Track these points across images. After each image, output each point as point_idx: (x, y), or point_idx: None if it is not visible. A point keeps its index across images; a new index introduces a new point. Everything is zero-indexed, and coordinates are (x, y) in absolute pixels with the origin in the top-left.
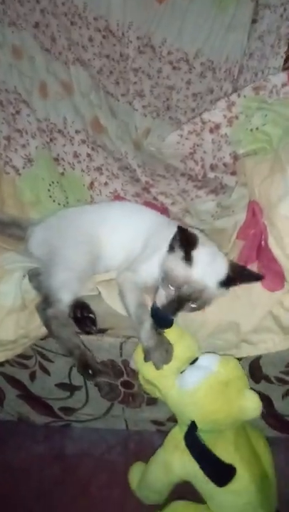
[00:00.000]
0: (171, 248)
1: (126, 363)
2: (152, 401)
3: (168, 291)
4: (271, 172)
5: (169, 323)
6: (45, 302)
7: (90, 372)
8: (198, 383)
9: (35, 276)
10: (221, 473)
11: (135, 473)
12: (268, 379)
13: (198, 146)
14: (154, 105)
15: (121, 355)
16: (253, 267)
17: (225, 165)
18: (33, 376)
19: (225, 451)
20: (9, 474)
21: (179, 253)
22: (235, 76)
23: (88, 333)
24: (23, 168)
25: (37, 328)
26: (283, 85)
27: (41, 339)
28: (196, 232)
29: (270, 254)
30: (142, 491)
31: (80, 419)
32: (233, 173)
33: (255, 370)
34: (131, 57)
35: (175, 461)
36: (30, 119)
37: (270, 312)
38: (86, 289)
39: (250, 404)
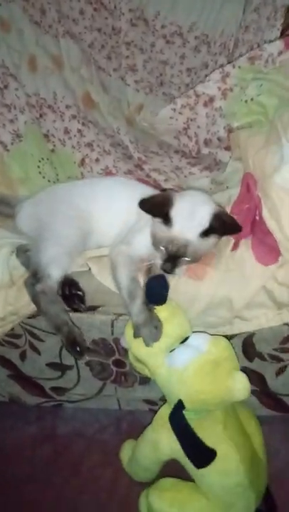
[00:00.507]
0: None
1: (117, 341)
2: (145, 380)
3: (161, 253)
4: (266, 143)
5: (162, 299)
6: (34, 278)
7: (78, 349)
8: (188, 362)
9: (23, 252)
10: (200, 454)
11: (126, 450)
12: (261, 356)
13: (191, 120)
14: (147, 80)
15: (112, 333)
16: (248, 241)
17: (219, 139)
18: (23, 356)
19: (212, 431)
20: (0, 455)
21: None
22: (230, 50)
23: (76, 310)
24: (12, 144)
25: (26, 305)
26: (279, 54)
27: (31, 317)
28: (172, 192)
29: (265, 228)
30: (131, 468)
31: (72, 399)
32: (228, 149)
33: (248, 347)
34: (123, 31)
35: (163, 440)
36: (19, 93)
37: (264, 287)
38: (76, 265)
39: (239, 385)
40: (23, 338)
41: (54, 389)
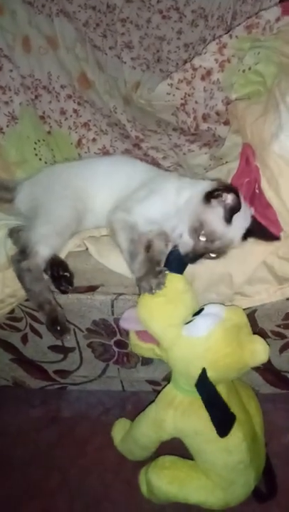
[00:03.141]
0: (208, 201)
1: (118, 321)
2: (147, 361)
3: (197, 242)
4: (265, 111)
5: (181, 270)
6: (21, 254)
7: (58, 328)
8: (213, 328)
9: (16, 232)
10: (226, 421)
11: (118, 429)
12: (264, 333)
13: (189, 96)
14: (144, 57)
15: (113, 314)
16: None
17: (218, 113)
18: (24, 339)
19: None
20: (6, 438)
21: (220, 210)
22: (228, 23)
23: (64, 292)
24: (7, 126)
25: None
26: (277, 20)
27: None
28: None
29: (265, 201)
30: (126, 447)
31: (76, 381)
32: (227, 123)
33: (250, 324)
34: (118, 8)
35: (168, 419)
36: (13, 74)
37: (264, 262)
38: (73, 245)
39: (261, 348)
40: (23, 321)
41: (57, 372)
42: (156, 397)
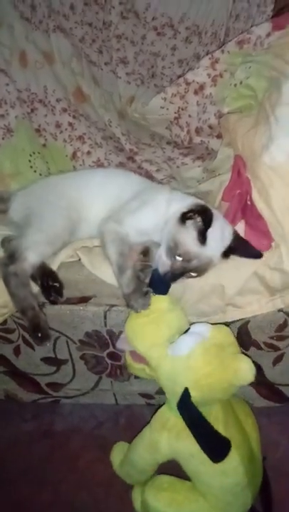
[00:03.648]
0: (183, 221)
1: (111, 333)
2: None
3: (174, 262)
4: (255, 123)
5: (165, 290)
6: (10, 258)
7: (39, 335)
8: (193, 347)
9: (8, 241)
10: (216, 445)
11: (117, 452)
12: (257, 345)
13: (182, 110)
14: (138, 72)
15: (105, 325)
16: (240, 227)
17: (210, 127)
18: (17, 351)
19: None
20: None
21: (193, 231)
22: (221, 39)
23: (53, 302)
24: (2, 138)
25: None
26: (267, 35)
27: None
28: (211, 208)
29: (256, 212)
30: (125, 471)
31: (69, 394)
32: (219, 136)
33: (243, 336)
34: (114, 24)
35: (162, 440)
36: (10, 88)
37: (255, 273)
38: (65, 256)
39: (245, 366)
40: (16, 333)
41: (50, 385)
42: (150, 411)
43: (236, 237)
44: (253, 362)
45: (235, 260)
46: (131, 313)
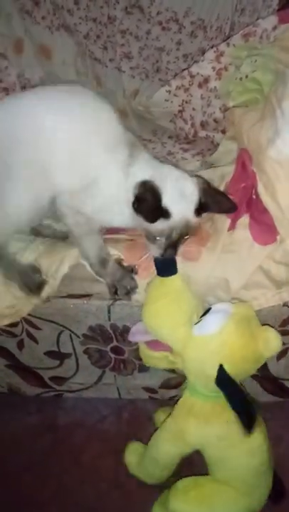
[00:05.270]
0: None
1: (115, 327)
2: (144, 368)
3: (158, 243)
4: (261, 117)
5: (174, 269)
6: None
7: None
8: (223, 322)
9: None
10: (251, 416)
11: (132, 454)
12: None
13: (186, 103)
14: (143, 67)
15: (109, 319)
16: (245, 221)
17: (216, 121)
18: (20, 344)
19: None
20: (0, 446)
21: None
22: (226, 33)
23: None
24: None
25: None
26: (274, 28)
27: None
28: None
29: (261, 206)
30: (145, 470)
31: (72, 388)
32: (225, 131)
33: None
34: (118, 19)
35: (190, 428)
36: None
37: (260, 266)
38: (72, 258)
39: (273, 335)
40: (19, 327)
41: (53, 378)
42: (153, 405)
43: (206, 191)
44: None
45: (240, 254)
46: (147, 299)
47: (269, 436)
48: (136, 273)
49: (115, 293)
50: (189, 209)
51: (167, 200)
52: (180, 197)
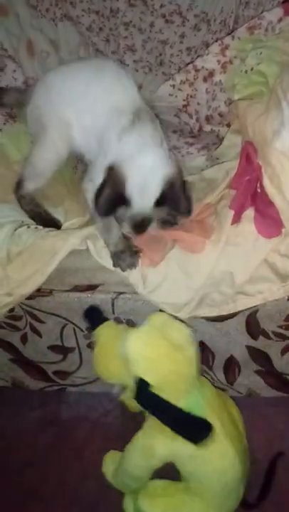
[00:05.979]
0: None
1: (118, 320)
2: None
3: (123, 225)
4: (267, 109)
5: (98, 321)
6: (18, 184)
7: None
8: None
9: None
10: (190, 426)
11: (109, 463)
12: (265, 334)
13: (191, 97)
14: (146, 60)
15: (113, 313)
16: (249, 214)
17: (221, 115)
18: (24, 338)
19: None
20: (3, 440)
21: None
22: (230, 27)
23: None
24: (4, 124)
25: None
26: (279, 21)
27: (29, 298)
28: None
29: (266, 199)
30: (119, 481)
31: (76, 383)
32: (230, 125)
33: (252, 325)
34: (121, 11)
35: (158, 444)
36: (16, 75)
37: (265, 260)
38: (74, 245)
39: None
40: (23, 320)
41: (57, 373)
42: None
43: (170, 187)
44: (262, 351)
45: (244, 247)
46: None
47: (272, 431)
48: (138, 254)
49: (114, 264)
50: (148, 205)
51: (129, 189)
52: (141, 191)
